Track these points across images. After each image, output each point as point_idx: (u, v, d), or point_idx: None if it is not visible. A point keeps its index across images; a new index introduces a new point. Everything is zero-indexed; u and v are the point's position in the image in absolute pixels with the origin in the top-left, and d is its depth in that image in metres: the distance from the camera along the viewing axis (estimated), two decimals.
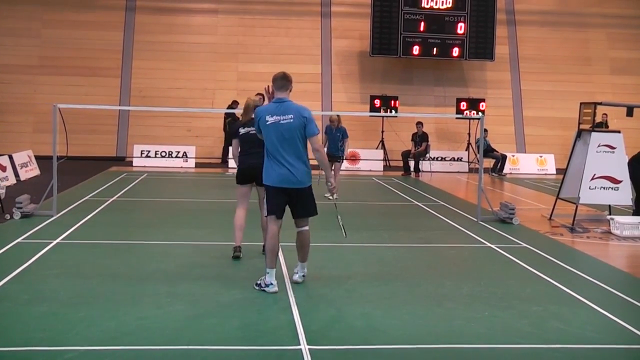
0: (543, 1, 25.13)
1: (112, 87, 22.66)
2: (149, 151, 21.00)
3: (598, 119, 15.87)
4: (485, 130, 17.83)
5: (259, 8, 23.93)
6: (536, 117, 24.10)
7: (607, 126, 19.36)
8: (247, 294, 6.34)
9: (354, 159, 21.30)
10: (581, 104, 11.91)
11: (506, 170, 21.20)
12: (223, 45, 23.68)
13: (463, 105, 22.17)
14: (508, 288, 6.89)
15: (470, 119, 21.89)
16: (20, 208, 10.25)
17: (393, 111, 21.82)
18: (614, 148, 11.23)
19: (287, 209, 6.58)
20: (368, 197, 14.77)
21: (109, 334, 5.12)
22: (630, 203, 11.37)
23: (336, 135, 13.55)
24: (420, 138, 20.73)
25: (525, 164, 22.17)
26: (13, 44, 22.72)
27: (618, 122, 17.71)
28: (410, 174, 20.01)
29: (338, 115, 13.83)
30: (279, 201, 6.46)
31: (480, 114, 20.66)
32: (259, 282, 6.52)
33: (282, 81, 6.50)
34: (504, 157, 21.15)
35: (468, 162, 21.95)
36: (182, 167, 20.45)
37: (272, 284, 6.40)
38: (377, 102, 21.95)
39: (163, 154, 20.95)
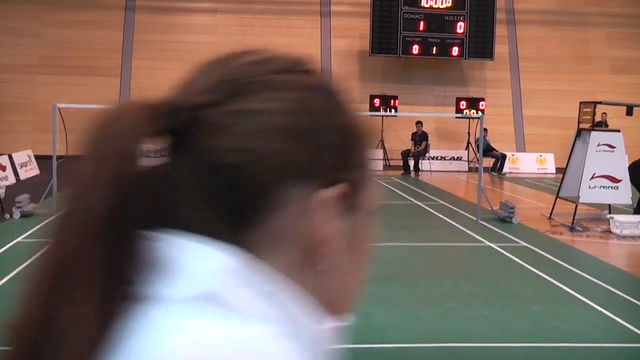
0: (543, 0, 25.11)
1: (111, 86, 22.64)
2: None
3: (598, 118, 15.84)
4: (485, 130, 17.82)
5: (259, 7, 23.94)
6: (536, 116, 24.09)
7: (606, 125, 19.32)
8: None
9: None
10: (581, 103, 11.92)
11: (506, 169, 21.20)
12: (223, 45, 23.61)
13: (463, 104, 22.17)
14: (508, 287, 6.89)
15: (470, 118, 21.88)
16: (20, 207, 10.25)
17: (393, 110, 21.81)
18: (614, 147, 11.23)
19: None
20: None
21: None
22: (630, 202, 11.37)
23: None
24: (419, 137, 20.73)
25: (525, 163, 22.17)
26: (13, 43, 22.71)
27: (618, 121, 17.68)
28: (410, 173, 20.02)
29: None
30: None
31: (479, 113, 20.62)
32: None
33: None
34: (504, 157, 21.15)
35: (468, 161, 21.96)
36: None
37: None
38: (377, 102, 21.94)
39: None
